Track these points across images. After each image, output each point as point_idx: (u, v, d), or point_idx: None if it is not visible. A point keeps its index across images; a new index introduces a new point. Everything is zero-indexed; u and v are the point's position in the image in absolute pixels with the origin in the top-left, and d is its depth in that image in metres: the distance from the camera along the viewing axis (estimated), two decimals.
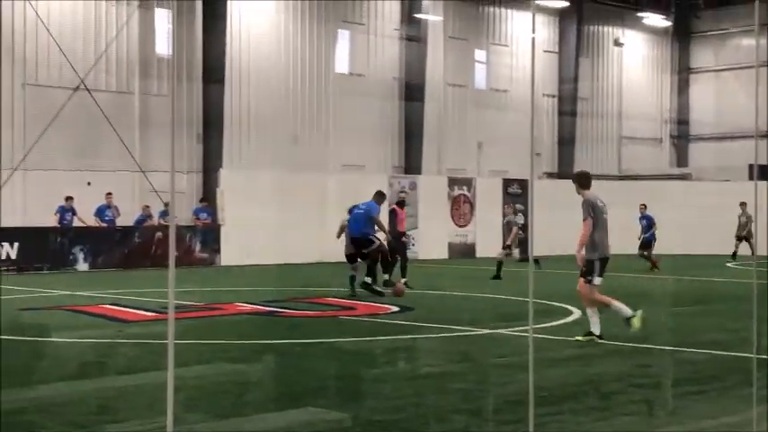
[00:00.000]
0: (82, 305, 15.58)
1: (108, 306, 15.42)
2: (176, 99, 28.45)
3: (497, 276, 21.05)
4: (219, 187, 27.31)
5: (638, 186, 34.04)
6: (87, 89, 26.89)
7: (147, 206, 26.80)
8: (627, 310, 11.31)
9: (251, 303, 15.77)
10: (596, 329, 11.16)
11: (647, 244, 25.15)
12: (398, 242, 19.69)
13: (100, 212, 25.65)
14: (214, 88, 29.14)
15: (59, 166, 26.54)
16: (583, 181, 11.49)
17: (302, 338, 11.73)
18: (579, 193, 11.44)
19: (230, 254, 26.36)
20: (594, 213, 11.10)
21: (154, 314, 14.43)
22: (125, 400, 8.03)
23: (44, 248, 23.81)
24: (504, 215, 24.63)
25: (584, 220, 11.10)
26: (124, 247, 25.07)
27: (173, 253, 4.44)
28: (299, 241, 26.39)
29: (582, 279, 11.26)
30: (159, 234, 25.55)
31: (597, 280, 11.18)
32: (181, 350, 10.39)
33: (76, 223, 25.12)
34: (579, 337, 11.27)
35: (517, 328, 12.23)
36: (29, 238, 23.77)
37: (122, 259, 24.79)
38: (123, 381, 8.93)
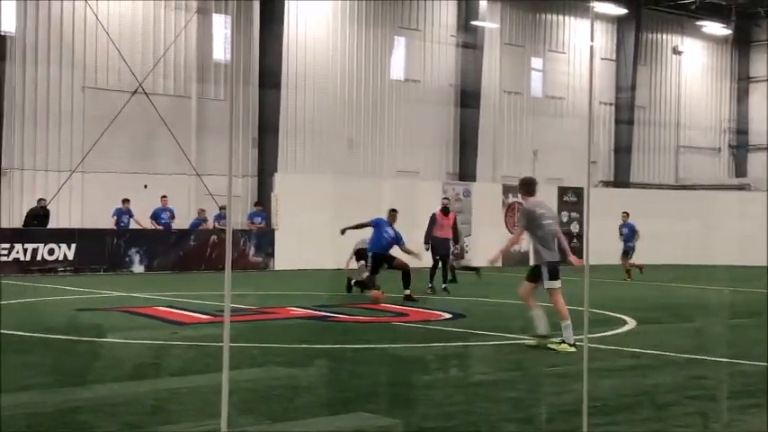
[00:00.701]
0: (137, 307, 15.75)
1: (163, 308, 15.57)
2: (233, 103, 28.70)
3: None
4: (274, 192, 27.48)
5: (695, 196, 33.58)
6: (145, 93, 27.29)
7: (203, 209, 27.06)
8: (542, 328, 11.20)
9: (304, 308, 15.81)
10: (542, 330, 11.16)
11: (627, 253, 24.90)
12: (440, 248, 19.82)
13: (156, 215, 25.94)
14: (270, 93, 29.34)
15: (117, 169, 26.91)
16: (526, 188, 11.60)
17: (354, 344, 11.73)
18: (523, 200, 11.69)
19: (284, 258, 26.51)
20: (533, 221, 11.20)
21: (208, 317, 14.52)
22: (178, 401, 8.08)
23: (101, 250, 24.14)
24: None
25: (515, 225, 11.52)
26: (179, 249, 25.33)
27: (229, 257, 4.47)
28: (352, 247, 26.38)
29: (525, 281, 11.45)
30: (214, 237, 25.77)
31: (549, 284, 11.16)
32: (234, 353, 10.43)
33: (133, 226, 25.44)
34: (529, 342, 11.26)
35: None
36: (86, 239, 24.11)
37: (177, 262, 25.05)
38: (177, 382, 8.99)
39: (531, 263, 11.88)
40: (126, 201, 25.49)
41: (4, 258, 22.85)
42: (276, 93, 29.54)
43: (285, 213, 26.67)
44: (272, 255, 26.68)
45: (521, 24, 36.09)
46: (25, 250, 23.14)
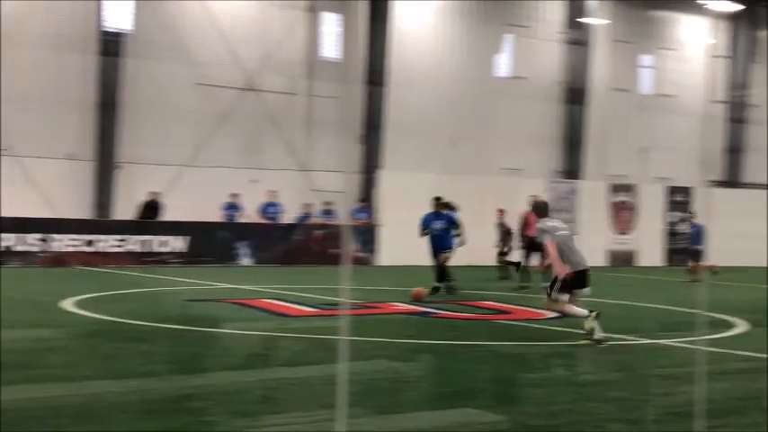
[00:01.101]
0: (245, 298, 16.09)
1: (270, 300, 15.87)
2: (340, 100, 29.03)
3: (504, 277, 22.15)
4: (378, 188, 27.68)
5: None
6: (255, 90, 27.78)
7: (309, 204, 27.45)
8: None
9: (407, 303, 15.92)
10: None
11: (696, 253, 24.12)
12: (529, 246, 19.96)
13: (264, 209, 26.42)
14: (376, 90, 29.55)
15: (226, 164, 27.47)
16: (540, 211, 12.31)
17: (457, 340, 11.77)
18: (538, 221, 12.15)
19: (387, 254, 26.68)
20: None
21: (314, 310, 14.75)
22: (287, 391, 8.25)
23: (211, 243, 24.70)
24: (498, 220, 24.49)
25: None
26: (286, 243, 25.74)
27: (347, 252, 4.58)
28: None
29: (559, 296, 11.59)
30: (319, 232, 26.11)
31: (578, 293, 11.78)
32: (339, 346, 10.61)
33: (241, 219, 25.97)
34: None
35: (679, 339, 11.91)
36: (197, 232, 24.71)
37: (284, 255, 25.46)
38: (285, 373, 9.18)
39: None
40: (235, 195, 26.03)
41: (119, 249, 23.58)
42: (381, 89, 29.73)
43: (388, 210, 26.83)
44: (375, 250, 26.88)
45: (630, 21, 35.47)
46: (138, 242, 23.84)
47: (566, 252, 11.61)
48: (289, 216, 26.99)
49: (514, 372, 9.87)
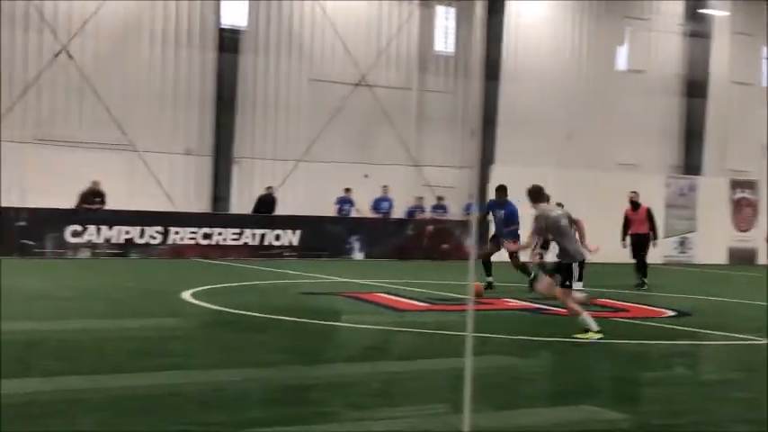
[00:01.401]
0: (358, 292, 16.20)
1: (383, 294, 15.94)
2: (453, 95, 28.97)
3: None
4: (491, 183, 27.47)
5: None
6: (368, 85, 27.96)
7: (421, 197, 27.50)
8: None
9: (519, 300, 15.79)
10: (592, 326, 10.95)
11: None
12: (635, 245, 19.58)
13: (376, 204, 26.59)
14: (489, 84, 29.40)
15: (339, 159, 27.74)
16: (533, 197, 11.87)
17: (573, 337, 11.60)
18: (533, 207, 11.79)
19: (502, 250, 26.41)
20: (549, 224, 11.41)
21: (425, 305, 14.76)
22: (402, 385, 8.29)
23: (323, 236, 24.97)
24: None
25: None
26: (397, 238, 25.83)
27: (472, 248, 4.56)
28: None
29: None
30: (431, 227, 26.11)
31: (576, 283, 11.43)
32: (454, 342, 10.60)
33: (354, 214, 26.18)
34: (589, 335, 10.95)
35: None
36: (310, 226, 24.99)
37: (395, 250, 25.54)
38: (399, 367, 9.22)
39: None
40: (348, 190, 26.27)
41: (235, 243, 24.05)
42: (495, 84, 29.55)
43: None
44: (487, 245, 26.68)
45: (750, 13, 34.39)
46: (254, 235, 24.26)
47: (565, 241, 11.44)
48: (400, 211, 27.09)
49: (634, 370, 9.68)
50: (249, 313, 12.54)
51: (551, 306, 14.98)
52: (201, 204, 26.37)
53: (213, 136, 26.80)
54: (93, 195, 23.43)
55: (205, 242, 23.79)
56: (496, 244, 17.80)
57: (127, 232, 22.97)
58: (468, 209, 27.67)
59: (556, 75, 31.07)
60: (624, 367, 9.85)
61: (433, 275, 19.14)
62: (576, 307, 11.26)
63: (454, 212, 27.55)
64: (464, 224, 26.62)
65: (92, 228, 22.56)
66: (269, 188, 26.09)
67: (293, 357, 9.50)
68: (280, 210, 25.92)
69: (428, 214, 27.24)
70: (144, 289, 15.91)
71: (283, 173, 27.19)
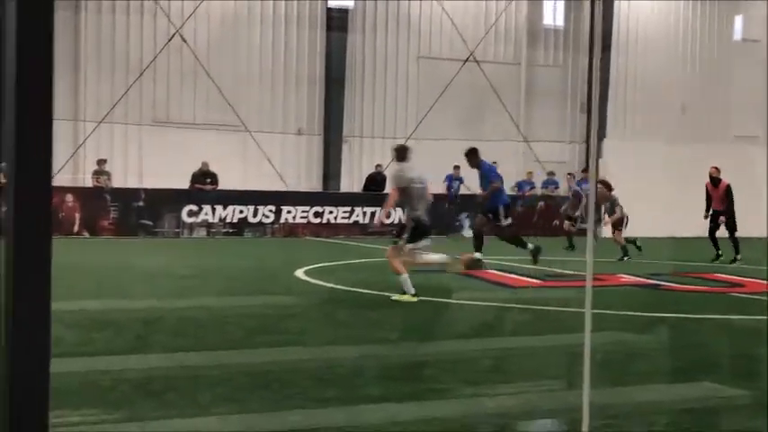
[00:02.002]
0: (470, 269, 16.15)
1: (494, 271, 15.89)
2: (563, 69, 28.56)
3: (571, 246, 21.07)
4: (602, 158, 27.06)
5: None
6: (476, 61, 27.79)
7: (531, 172, 27.25)
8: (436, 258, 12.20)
9: (634, 275, 15.53)
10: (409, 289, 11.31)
11: None
12: (712, 220, 19.09)
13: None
14: (600, 57, 28.88)
15: (448, 136, 27.67)
16: (398, 154, 12.52)
17: (689, 313, 11.38)
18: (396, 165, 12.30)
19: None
20: (403, 184, 11.80)
21: (538, 281, 14.66)
22: (514, 362, 8.28)
23: (433, 215, 24.91)
24: (569, 185, 22.85)
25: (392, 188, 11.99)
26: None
27: (591, 224, 4.52)
28: (686, 215, 25.52)
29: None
30: (541, 203, 25.87)
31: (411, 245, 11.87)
32: (567, 318, 10.52)
33: (463, 191, 26.11)
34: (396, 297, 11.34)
35: None
36: None
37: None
38: (512, 343, 9.20)
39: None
40: (457, 167, 26.19)
41: (346, 221, 24.29)
42: (606, 56, 29.02)
43: (614, 179, 26.17)
44: (598, 221, 26.30)
45: None
46: (364, 213, 24.45)
47: (414, 203, 11.91)
48: (509, 188, 26.89)
49: (752, 346, 9.44)
50: (362, 290, 12.67)
51: (668, 282, 14.73)
52: (312, 183, 26.71)
53: (323, 115, 27.08)
54: (204, 176, 23.97)
55: (316, 221, 24.10)
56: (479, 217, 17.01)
57: (240, 212, 23.44)
58: (579, 184, 27.29)
59: (668, 46, 30.32)
60: (743, 343, 9.61)
61: (544, 252, 18.93)
62: (400, 267, 11.63)
63: (564, 188, 27.21)
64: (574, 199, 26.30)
65: (207, 208, 23.10)
66: (378, 166, 26.23)
67: (406, 334, 9.57)
68: (389, 188, 26.02)
69: (538, 190, 26.98)
70: (258, 267, 16.23)
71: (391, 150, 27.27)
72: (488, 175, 16.58)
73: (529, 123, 28.62)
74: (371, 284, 13.24)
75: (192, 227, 23.00)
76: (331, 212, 24.21)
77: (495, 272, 15.80)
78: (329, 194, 25.64)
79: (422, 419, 6.10)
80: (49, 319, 1.96)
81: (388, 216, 12.31)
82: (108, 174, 23.81)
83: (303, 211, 24.03)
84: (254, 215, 23.57)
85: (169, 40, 25.29)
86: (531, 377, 7.60)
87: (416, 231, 12.03)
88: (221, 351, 8.28)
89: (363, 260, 17.63)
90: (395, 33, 27.51)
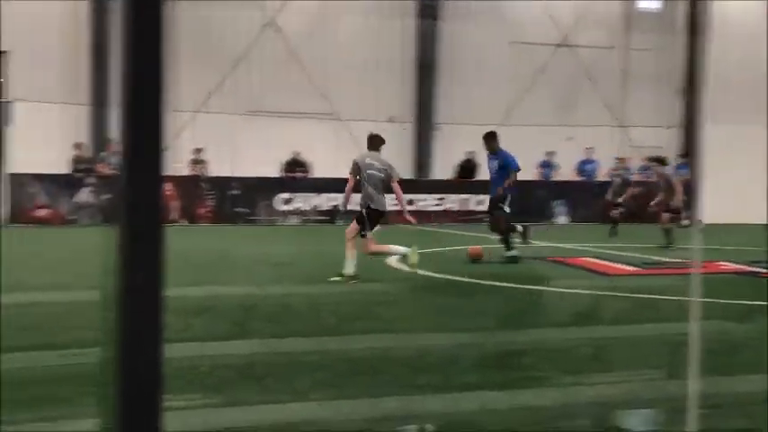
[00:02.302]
0: (564, 257, 16.02)
1: (589, 259, 15.70)
2: (658, 52, 28.00)
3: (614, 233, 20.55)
4: (700, 142, 26.45)
5: None
6: (569, 45, 27.42)
7: (623, 158, 26.79)
8: (401, 250, 12.94)
9: (735, 263, 15.16)
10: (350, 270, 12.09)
11: None
12: None
13: (580, 167, 26.13)
14: (697, 39, 28.23)
15: (541, 122, 27.41)
16: (370, 142, 13.22)
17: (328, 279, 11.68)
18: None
19: (712, 211, 25.44)
20: (360, 171, 12.56)
21: (635, 269, 14.43)
22: (613, 351, 8.16)
23: (527, 201, 24.76)
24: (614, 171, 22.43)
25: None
26: (601, 201, 25.29)
27: (697, 210, 4.42)
28: None
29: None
30: (636, 190, 25.38)
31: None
32: (666, 306, 10.34)
33: (557, 177, 25.84)
34: (335, 278, 12.03)
35: None
36: (513, 190, 24.79)
37: (600, 213, 25.04)
38: (610, 332, 9.07)
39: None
40: (550, 153, 25.94)
41: (438, 208, 24.26)
42: (702, 39, 28.33)
43: (713, 165, 25.55)
44: (696, 207, 25.77)
45: None
46: (456, 200, 24.39)
47: (369, 191, 12.54)
48: (604, 173, 26.52)
49: None
50: (455, 278, 12.64)
51: None
52: (404, 171, 26.69)
53: (414, 102, 27.07)
54: (296, 165, 24.22)
55: (408, 208, 24.04)
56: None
57: (333, 200, 23.60)
58: (680, 168, 26.75)
59: None
60: None
61: (641, 239, 18.66)
62: (378, 249, 12.64)
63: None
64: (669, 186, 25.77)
65: (299, 196, 23.34)
66: (470, 153, 26.11)
67: (501, 322, 9.52)
68: (481, 175, 25.90)
69: (635, 176, 26.50)
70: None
71: None
72: (511, 163, 16.07)
73: (625, 108, 28.14)
74: (464, 272, 13.21)
75: (285, 214, 23.27)
76: (423, 200, 24.21)
77: (593, 259, 15.60)
78: (420, 182, 25.64)
79: (519, 408, 6.06)
80: (163, 305, 2.00)
81: (347, 202, 12.78)
82: (204, 162, 24.23)
83: (394, 199, 24.03)
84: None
85: (263, 30, 25.56)
86: (632, 366, 7.49)
87: (370, 218, 12.66)
88: (317, 337, 8.36)
89: (455, 247, 17.59)
90: (486, 19, 27.31)
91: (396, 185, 13.04)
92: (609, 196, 22.71)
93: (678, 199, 18.92)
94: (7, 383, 6.24)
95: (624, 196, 22.10)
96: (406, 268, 13.58)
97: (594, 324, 9.71)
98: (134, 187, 2.00)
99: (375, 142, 13.22)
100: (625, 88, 28.24)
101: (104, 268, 2.08)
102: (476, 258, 15.09)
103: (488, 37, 27.38)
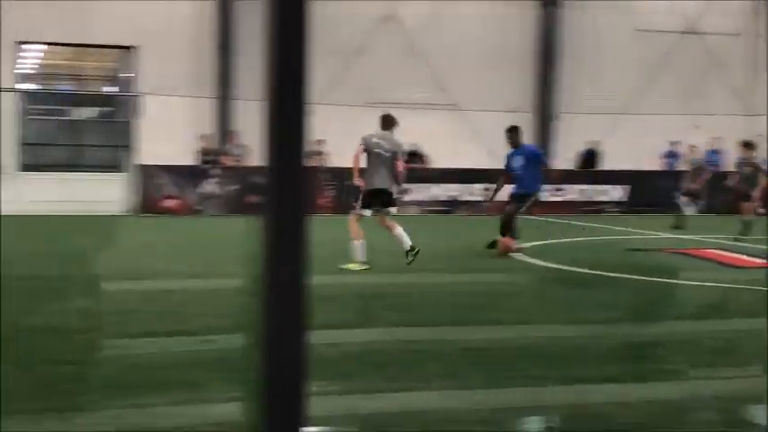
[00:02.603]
0: (689, 248, 15.65)
1: (715, 251, 15.31)
2: None
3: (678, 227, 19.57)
4: None
5: None
6: (696, 32, 26.72)
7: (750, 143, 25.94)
8: (407, 241, 12.37)
9: None
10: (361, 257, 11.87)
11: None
12: None
13: (708, 157, 25.45)
14: None
15: (666, 111, 26.79)
16: (382, 122, 12.72)
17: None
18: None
19: None
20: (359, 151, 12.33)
21: (764, 261, 13.98)
22: (744, 344, 7.93)
23: (651, 191, 24.30)
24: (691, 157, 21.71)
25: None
26: (727, 191, 24.56)
27: None
28: None
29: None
30: (765, 179, 24.57)
31: (364, 211, 12.35)
32: None
33: (682, 167, 25.20)
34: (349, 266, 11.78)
35: None
36: (636, 180, 24.46)
37: (726, 203, 24.33)
38: (740, 325, 8.86)
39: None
40: (675, 142, 25.34)
41: (558, 199, 23.99)
42: None
43: None
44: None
45: None
46: (578, 191, 24.07)
47: (372, 169, 12.21)
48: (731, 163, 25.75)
49: None
50: (578, 269, 12.49)
51: None
52: None
53: (535, 92, 26.81)
54: (413, 156, 24.28)
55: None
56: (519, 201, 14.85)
57: (452, 190, 23.61)
58: (712, 155, 25.80)
59: None
60: None
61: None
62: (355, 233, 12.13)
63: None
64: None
65: (418, 186, 23.41)
66: (592, 142, 25.74)
67: (625, 314, 9.37)
68: (603, 164, 25.53)
69: (764, 166, 25.64)
70: (472, 245, 16.25)
71: (606, 127, 26.67)
72: (537, 157, 15.16)
73: (755, 96, 27.25)
74: (586, 263, 13.03)
75: (404, 204, 23.37)
76: (543, 191, 23.95)
77: (718, 251, 15.20)
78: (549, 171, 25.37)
79: (649, 400, 5.97)
80: (307, 296, 2.05)
81: (359, 180, 12.36)
82: (325, 153, 24.53)
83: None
84: (465, 193, 23.68)
85: (383, 21, 25.69)
86: (764, 360, 7.27)
87: (365, 198, 12.43)
88: (440, 327, 8.39)
89: (578, 239, 17.39)
90: (609, 6, 26.82)
91: (400, 163, 12.49)
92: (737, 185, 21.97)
93: None
94: (140, 366, 6.48)
95: (696, 184, 21.43)
96: (529, 259, 13.49)
97: (727, 317, 9.49)
98: (278, 180, 2.05)
99: (387, 122, 12.77)
100: (755, 75, 27.34)
101: (244, 258, 2.15)
102: (506, 251, 14.39)
103: (612, 25, 26.90)
